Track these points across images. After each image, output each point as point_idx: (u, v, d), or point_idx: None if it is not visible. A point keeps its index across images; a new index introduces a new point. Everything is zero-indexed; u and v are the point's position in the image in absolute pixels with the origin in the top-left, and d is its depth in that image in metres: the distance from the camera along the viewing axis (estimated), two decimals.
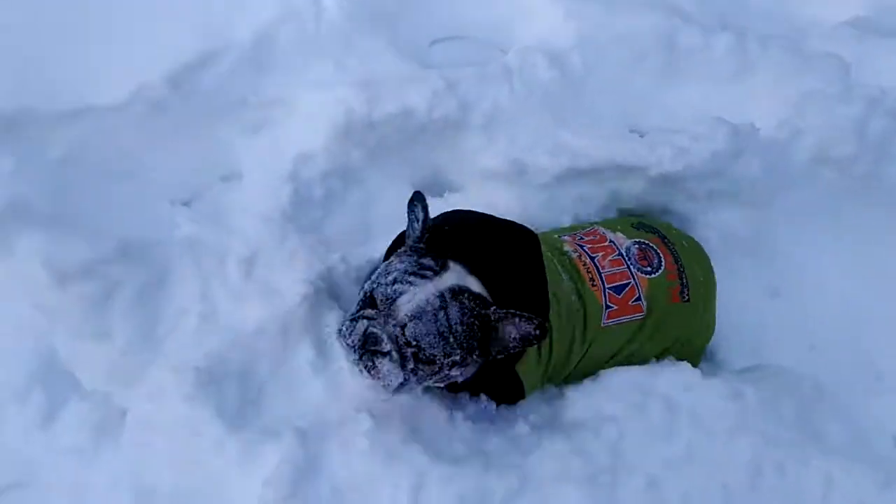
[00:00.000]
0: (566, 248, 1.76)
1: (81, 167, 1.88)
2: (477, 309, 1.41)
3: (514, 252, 1.54)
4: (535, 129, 2.05)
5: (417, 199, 1.49)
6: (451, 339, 1.38)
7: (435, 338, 1.37)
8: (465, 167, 2.03)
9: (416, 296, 1.38)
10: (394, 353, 1.39)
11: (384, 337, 1.38)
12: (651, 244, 1.83)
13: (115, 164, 1.91)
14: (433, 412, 1.68)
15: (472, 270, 1.46)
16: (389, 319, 1.39)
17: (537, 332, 1.37)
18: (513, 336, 1.40)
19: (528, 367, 1.61)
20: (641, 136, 2.12)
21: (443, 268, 1.42)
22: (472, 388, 1.67)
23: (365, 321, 1.41)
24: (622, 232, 1.85)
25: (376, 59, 2.14)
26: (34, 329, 1.76)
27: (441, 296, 1.38)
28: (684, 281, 1.81)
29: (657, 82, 2.26)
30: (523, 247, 1.56)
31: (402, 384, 1.42)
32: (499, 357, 1.46)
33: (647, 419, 1.63)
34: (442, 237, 1.48)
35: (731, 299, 2.09)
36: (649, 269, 1.78)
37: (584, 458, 1.55)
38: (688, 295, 1.81)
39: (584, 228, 1.89)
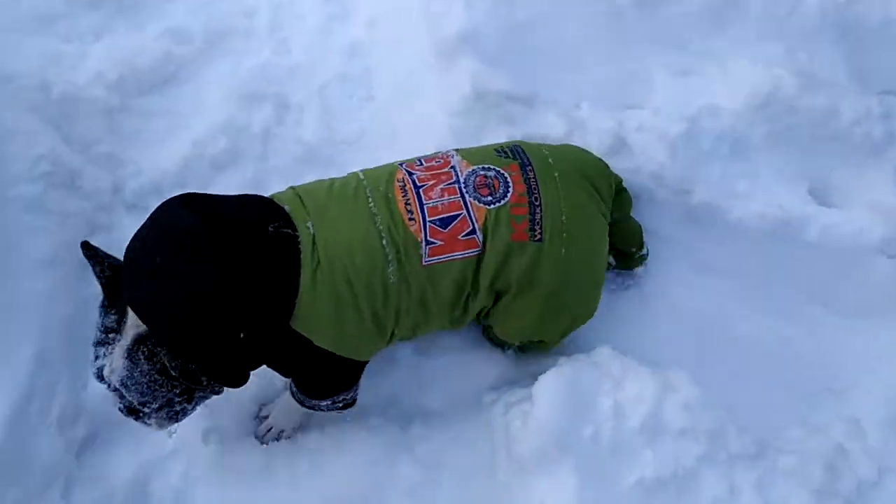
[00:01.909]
0: (397, 177, 1.59)
1: (538, 33, 2.16)
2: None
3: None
4: None
5: (87, 255, 1.45)
6: (162, 382, 1.42)
7: (147, 392, 1.42)
8: (853, 189, 1.94)
9: (113, 366, 1.42)
10: (137, 421, 1.50)
11: (123, 410, 1.48)
12: (501, 171, 1.58)
13: (562, 43, 2.16)
14: None
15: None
16: (116, 396, 1.47)
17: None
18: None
19: (306, 312, 1.47)
20: None
21: (121, 321, 1.42)
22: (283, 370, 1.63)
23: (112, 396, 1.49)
24: (473, 158, 1.63)
25: (824, 61, 2.11)
26: (433, 130, 2.12)
27: (128, 355, 1.40)
28: (537, 217, 1.55)
29: None
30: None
31: (169, 422, 1.50)
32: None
33: None
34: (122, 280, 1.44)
35: None
36: (490, 198, 1.55)
37: None
38: (539, 234, 1.55)
39: (434, 154, 1.69)
